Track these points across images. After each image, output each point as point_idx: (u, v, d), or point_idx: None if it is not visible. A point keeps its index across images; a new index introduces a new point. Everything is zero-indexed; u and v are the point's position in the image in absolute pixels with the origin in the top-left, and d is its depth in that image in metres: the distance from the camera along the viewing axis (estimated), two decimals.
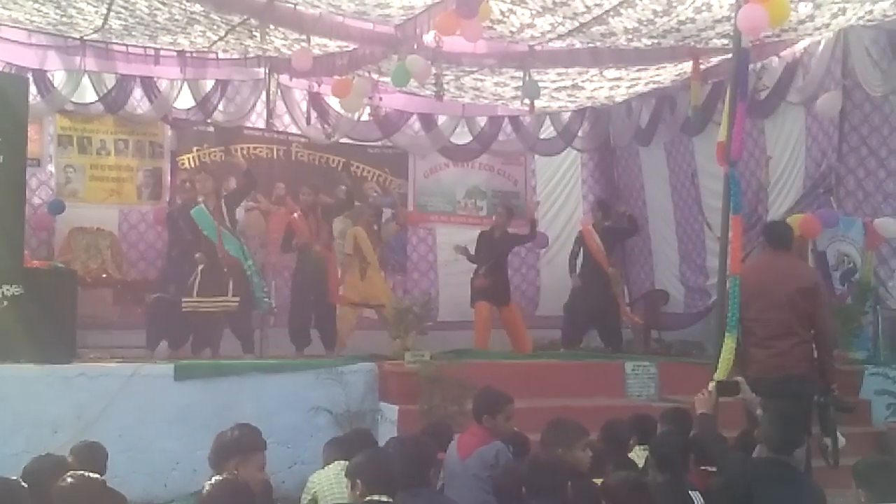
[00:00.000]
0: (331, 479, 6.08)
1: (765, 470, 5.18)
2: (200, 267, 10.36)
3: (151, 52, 11.55)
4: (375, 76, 11.32)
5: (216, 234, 10.38)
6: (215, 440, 5.04)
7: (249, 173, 11.07)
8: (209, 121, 12.43)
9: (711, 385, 6.77)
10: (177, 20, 10.06)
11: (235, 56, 11.85)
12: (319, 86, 12.26)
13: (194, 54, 11.70)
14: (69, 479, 4.50)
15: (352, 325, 11.55)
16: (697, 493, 5.31)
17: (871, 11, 9.09)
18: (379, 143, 13.55)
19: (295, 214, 11.40)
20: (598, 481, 5.34)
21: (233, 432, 5.02)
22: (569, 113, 13.89)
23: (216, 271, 10.37)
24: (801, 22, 9.30)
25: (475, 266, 12.08)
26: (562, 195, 14.25)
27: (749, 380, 6.92)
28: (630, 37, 9.76)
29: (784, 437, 5.22)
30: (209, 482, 4.24)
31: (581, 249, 12.15)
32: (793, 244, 7.96)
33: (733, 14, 7.96)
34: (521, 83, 11.11)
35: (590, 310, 11.95)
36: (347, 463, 6.10)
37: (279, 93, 12.51)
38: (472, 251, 12.08)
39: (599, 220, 12.31)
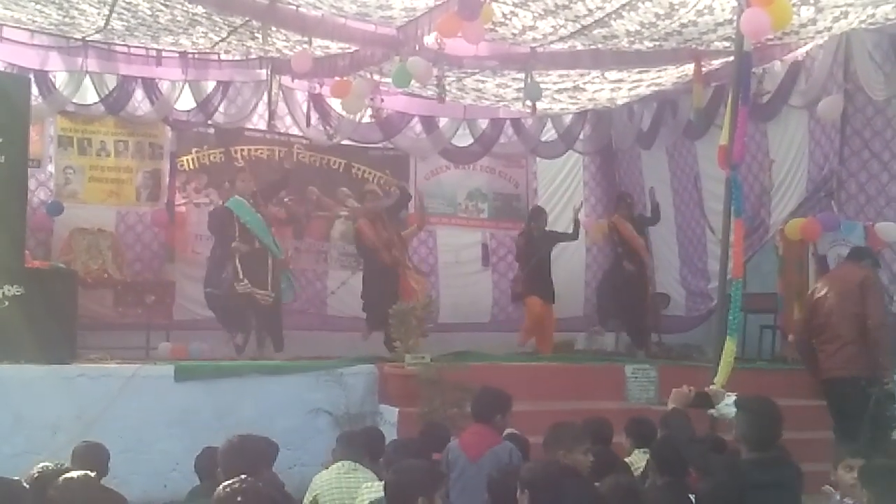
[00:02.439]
0: (331, 480, 6.07)
1: (752, 471, 5.16)
2: (238, 255, 10.54)
3: (153, 52, 11.55)
4: (377, 77, 11.32)
5: (256, 224, 10.69)
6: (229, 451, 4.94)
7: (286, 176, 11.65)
8: (210, 122, 12.42)
9: (713, 388, 6.80)
10: (179, 21, 10.06)
11: (237, 57, 11.85)
12: (321, 87, 12.25)
13: (196, 55, 11.70)
14: (64, 479, 4.48)
15: None
16: None
17: (873, 15, 9.09)
18: (380, 145, 13.53)
19: (360, 221, 11.72)
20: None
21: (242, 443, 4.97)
22: (570, 115, 13.88)
23: (256, 262, 10.63)
24: (803, 25, 9.29)
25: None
26: (563, 198, 14.22)
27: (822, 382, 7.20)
28: (632, 39, 9.76)
29: (760, 434, 5.21)
30: (225, 485, 4.16)
31: (618, 240, 12.41)
32: (864, 256, 8.16)
33: (735, 17, 8.00)
34: (522, 85, 11.11)
35: (624, 299, 12.25)
36: (350, 463, 6.11)
37: (281, 94, 12.48)
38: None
39: (628, 213, 12.55)
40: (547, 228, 12.48)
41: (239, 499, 3.99)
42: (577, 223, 12.54)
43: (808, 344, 7.97)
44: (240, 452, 4.89)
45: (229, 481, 4.11)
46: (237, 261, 10.57)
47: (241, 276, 10.52)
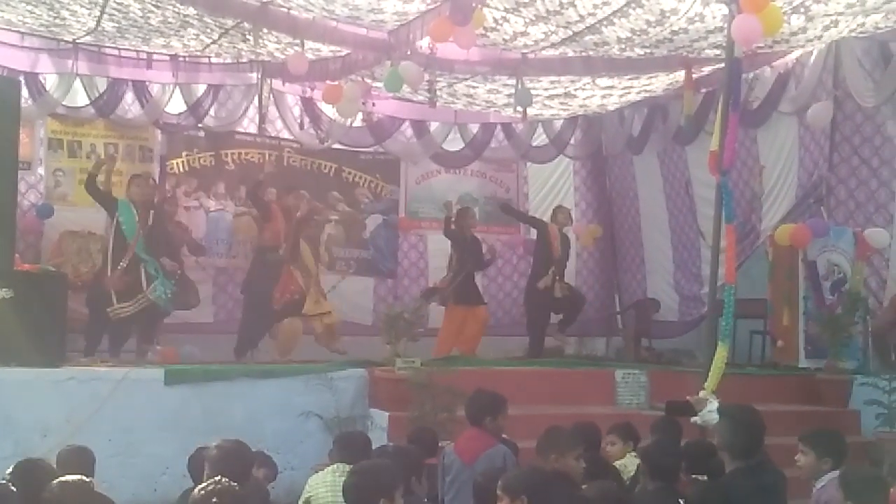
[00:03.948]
0: (327, 483, 6.05)
1: (738, 478, 5.17)
2: (122, 265, 10.10)
3: (144, 55, 11.53)
4: (369, 81, 11.32)
5: (133, 237, 10.19)
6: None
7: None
8: (200, 125, 12.39)
9: (702, 392, 6.83)
10: (170, 23, 10.05)
11: (228, 60, 11.83)
12: (312, 91, 12.25)
13: (187, 58, 11.68)
14: (60, 482, 4.47)
15: (296, 335, 11.54)
16: None
17: (863, 24, 9.13)
18: (371, 149, 13.53)
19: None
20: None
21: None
22: (561, 121, 13.90)
23: (132, 269, 10.16)
24: (794, 34, 9.33)
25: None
26: (554, 203, 14.19)
27: None
28: (623, 46, 9.78)
29: (744, 442, 5.22)
30: (200, 487, 4.16)
31: (543, 245, 12.30)
32: None
33: (726, 25, 8.03)
34: (513, 90, 11.12)
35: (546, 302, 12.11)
36: (344, 465, 6.09)
37: (272, 98, 12.47)
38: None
39: (562, 223, 12.49)
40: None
41: (214, 500, 3.99)
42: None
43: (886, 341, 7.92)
44: (234, 456, 4.92)
45: (204, 483, 4.12)
46: (112, 276, 10.09)
47: (113, 300, 10.00)
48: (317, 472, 6.51)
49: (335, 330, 11.73)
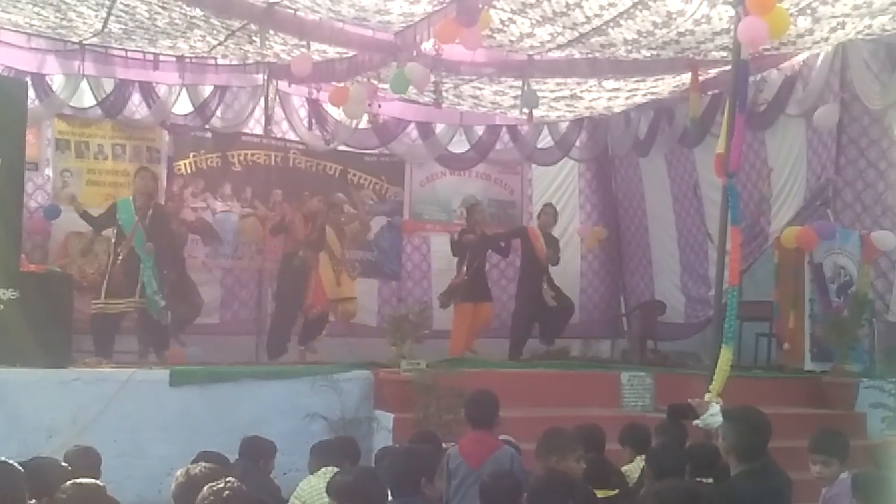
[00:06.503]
0: (320, 487, 6.02)
1: (743, 482, 5.16)
2: (113, 259, 10.38)
3: (150, 56, 11.54)
4: (375, 82, 11.32)
5: (130, 228, 10.42)
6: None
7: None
8: (207, 126, 12.40)
9: (707, 396, 6.82)
10: (177, 24, 10.06)
11: (235, 62, 11.85)
12: (318, 92, 12.25)
13: (193, 60, 11.69)
14: (73, 483, 4.47)
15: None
16: None
17: (870, 26, 9.12)
18: (376, 151, 13.54)
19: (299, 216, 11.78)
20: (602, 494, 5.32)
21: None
22: (567, 123, 13.88)
23: (127, 267, 10.35)
24: (801, 36, 9.32)
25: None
26: (558, 205, 14.19)
27: None
28: (629, 48, 9.78)
29: (749, 444, 5.20)
30: (209, 485, 4.16)
31: (522, 247, 12.43)
32: None
33: (732, 27, 8.01)
34: (519, 92, 11.12)
35: (531, 309, 12.16)
36: (333, 469, 6.08)
37: (278, 99, 12.49)
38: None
39: (549, 224, 12.56)
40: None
41: (211, 498, 4.03)
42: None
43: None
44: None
45: (213, 483, 4.14)
46: (108, 270, 10.39)
47: (101, 294, 10.29)
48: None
49: (348, 319, 12.08)
